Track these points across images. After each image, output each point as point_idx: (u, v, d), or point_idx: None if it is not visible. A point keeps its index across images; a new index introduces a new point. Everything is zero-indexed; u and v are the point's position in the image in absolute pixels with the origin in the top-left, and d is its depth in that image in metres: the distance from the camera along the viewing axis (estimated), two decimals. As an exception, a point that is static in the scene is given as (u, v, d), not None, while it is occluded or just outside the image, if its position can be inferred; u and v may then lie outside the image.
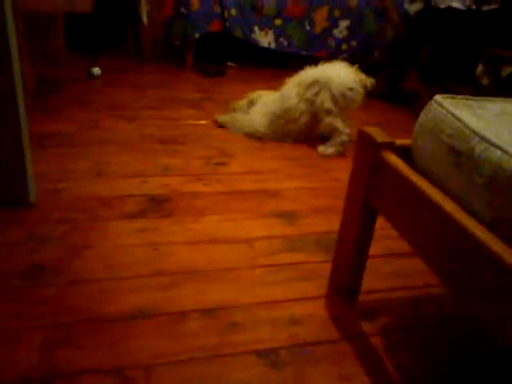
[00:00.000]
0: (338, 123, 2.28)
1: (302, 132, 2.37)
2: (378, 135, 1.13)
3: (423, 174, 1.02)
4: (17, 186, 1.56)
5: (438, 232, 0.91)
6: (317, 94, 2.26)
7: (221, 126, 2.47)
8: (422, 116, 1.07)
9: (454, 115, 0.96)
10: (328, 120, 2.28)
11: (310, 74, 2.32)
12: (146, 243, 1.47)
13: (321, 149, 2.31)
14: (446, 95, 1.06)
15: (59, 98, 2.65)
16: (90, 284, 1.27)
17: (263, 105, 2.46)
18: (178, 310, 1.22)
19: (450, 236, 0.87)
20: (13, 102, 1.45)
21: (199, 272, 1.37)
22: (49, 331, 1.10)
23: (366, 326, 1.23)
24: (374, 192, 1.14)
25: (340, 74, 2.27)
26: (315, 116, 2.31)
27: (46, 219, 1.53)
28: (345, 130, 2.29)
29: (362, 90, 2.26)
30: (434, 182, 0.99)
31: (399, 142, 1.14)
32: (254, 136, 2.37)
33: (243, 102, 2.57)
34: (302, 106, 2.29)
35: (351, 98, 2.26)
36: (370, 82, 2.28)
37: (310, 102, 2.28)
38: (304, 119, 2.32)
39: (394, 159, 1.07)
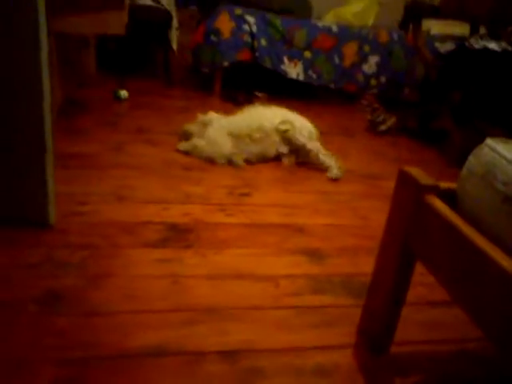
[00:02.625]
0: (330, 161, 2.38)
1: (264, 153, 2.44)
2: (421, 177, 1.06)
3: (469, 220, 0.95)
4: (37, 208, 1.51)
5: (491, 287, 0.83)
6: (287, 132, 2.41)
7: (186, 153, 2.38)
8: (472, 160, 1.00)
9: (509, 161, 0.89)
10: (314, 153, 2.41)
11: (270, 114, 2.49)
12: (167, 275, 1.40)
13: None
14: (498, 139, 0.99)
15: (85, 119, 2.64)
16: (106, 316, 1.20)
17: (220, 127, 2.42)
18: (196, 349, 1.14)
19: (505, 293, 0.79)
20: (39, 122, 1.42)
21: (220, 309, 1.29)
22: (62, 367, 1.03)
23: None
24: (414, 236, 1.07)
25: (294, 117, 2.49)
26: (297, 153, 2.45)
27: (65, 243, 1.47)
28: (336, 166, 2.36)
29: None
30: (483, 231, 0.91)
31: (443, 185, 1.07)
32: (218, 160, 2.32)
33: (196, 126, 2.48)
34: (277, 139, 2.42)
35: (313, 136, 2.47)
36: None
37: (285, 139, 2.42)
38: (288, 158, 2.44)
39: (439, 204, 1.00)
